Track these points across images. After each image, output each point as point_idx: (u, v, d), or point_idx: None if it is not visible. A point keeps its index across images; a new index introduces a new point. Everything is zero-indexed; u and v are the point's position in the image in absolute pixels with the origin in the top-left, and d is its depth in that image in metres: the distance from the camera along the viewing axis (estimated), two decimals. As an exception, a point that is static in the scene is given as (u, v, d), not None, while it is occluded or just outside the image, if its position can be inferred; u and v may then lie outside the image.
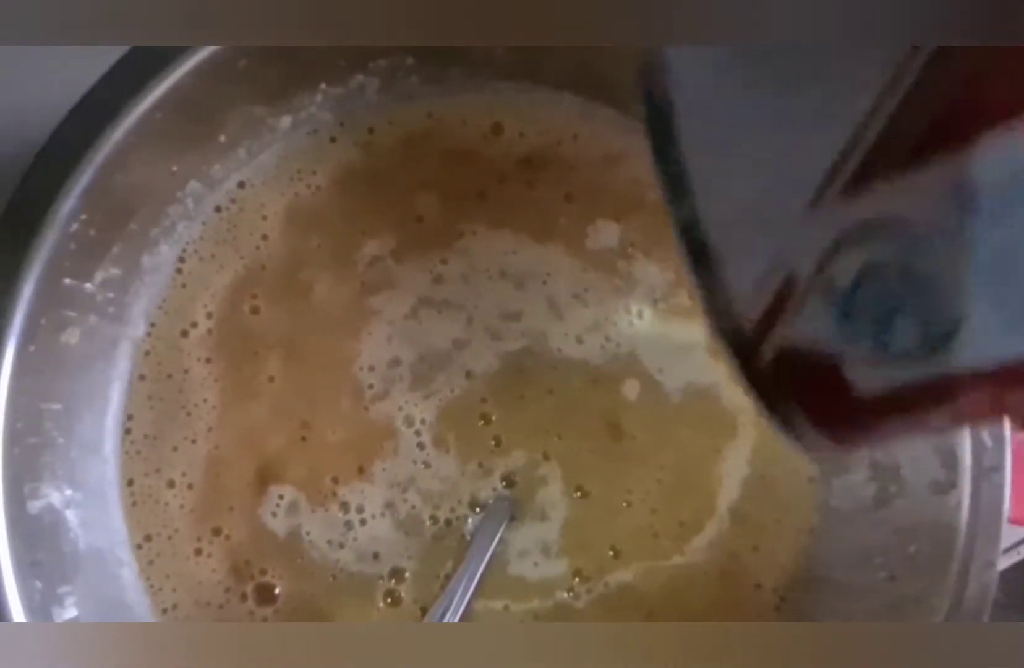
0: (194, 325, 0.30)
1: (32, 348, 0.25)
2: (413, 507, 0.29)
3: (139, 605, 0.28)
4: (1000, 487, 0.26)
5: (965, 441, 0.26)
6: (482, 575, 0.28)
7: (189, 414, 0.29)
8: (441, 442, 0.30)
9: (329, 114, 0.30)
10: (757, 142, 0.14)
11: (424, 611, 0.29)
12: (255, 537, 0.29)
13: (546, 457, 0.30)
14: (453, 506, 0.29)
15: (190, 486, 0.29)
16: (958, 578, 0.26)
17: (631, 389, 0.30)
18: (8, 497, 0.25)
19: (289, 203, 0.30)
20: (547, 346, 0.30)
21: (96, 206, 0.26)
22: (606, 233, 0.31)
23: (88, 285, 0.27)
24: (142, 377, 0.29)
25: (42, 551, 0.26)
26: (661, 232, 0.31)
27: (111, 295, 0.28)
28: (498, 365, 0.30)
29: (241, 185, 0.30)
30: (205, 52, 0.25)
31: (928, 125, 0.11)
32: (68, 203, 0.25)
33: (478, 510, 0.29)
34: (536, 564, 0.29)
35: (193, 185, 0.29)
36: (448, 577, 0.29)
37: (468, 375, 0.30)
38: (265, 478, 0.29)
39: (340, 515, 0.29)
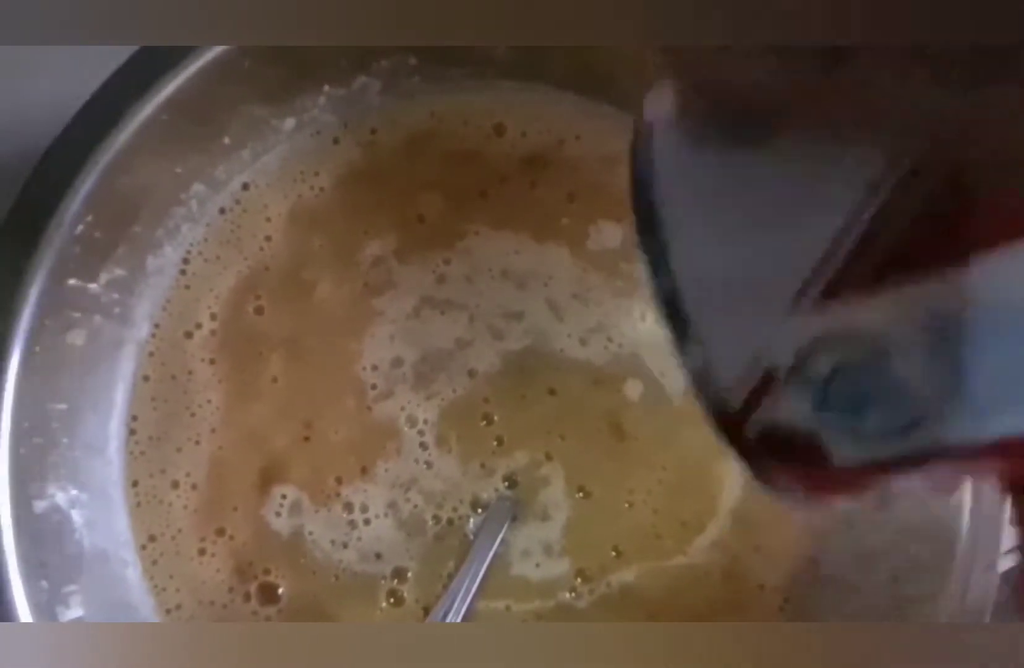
0: (198, 326, 0.30)
1: (37, 349, 0.26)
2: (415, 507, 0.29)
3: (143, 605, 0.28)
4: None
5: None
6: (484, 575, 0.28)
7: (193, 415, 0.29)
8: (443, 442, 0.30)
9: (332, 115, 0.30)
10: (739, 237, 0.14)
11: (426, 611, 0.29)
12: (259, 537, 0.29)
13: (548, 457, 0.30)
14: (455, 506, 0.29)
15: (194, 486, 0.29)
16: (960, 579, 0.26)
17: (633, 390, 0.30)
18: (14, 497, 0.25)
19: (292, 204, 0.30)
20: (549, 346, 0.30)
21: (101, 208, 0.26)
22: (608, 233, 0.31)
23: (93, 286, 0.27)
24: (146, 378, 0.30)
25: (47, 551, 0.26)
26: (663, 233, 0.31)
27: (116, 296, 0.28)
28: (500, 365, 0.30)
29: (245, 187, 0.30)
30: (209, 54, 0.25)
31: (893, 247, 0.12)
32: (73, 205, 0.25)
33: (480, 510, 0.29)
34: (538, 564, 0.29)
35: (197, 187, 0.29)
36: (450, 577, 0.29)
37: (470, 375, 0.30)
38: (268, 478, 0.29)
39: (343, 515, 0.29)
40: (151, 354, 0.30)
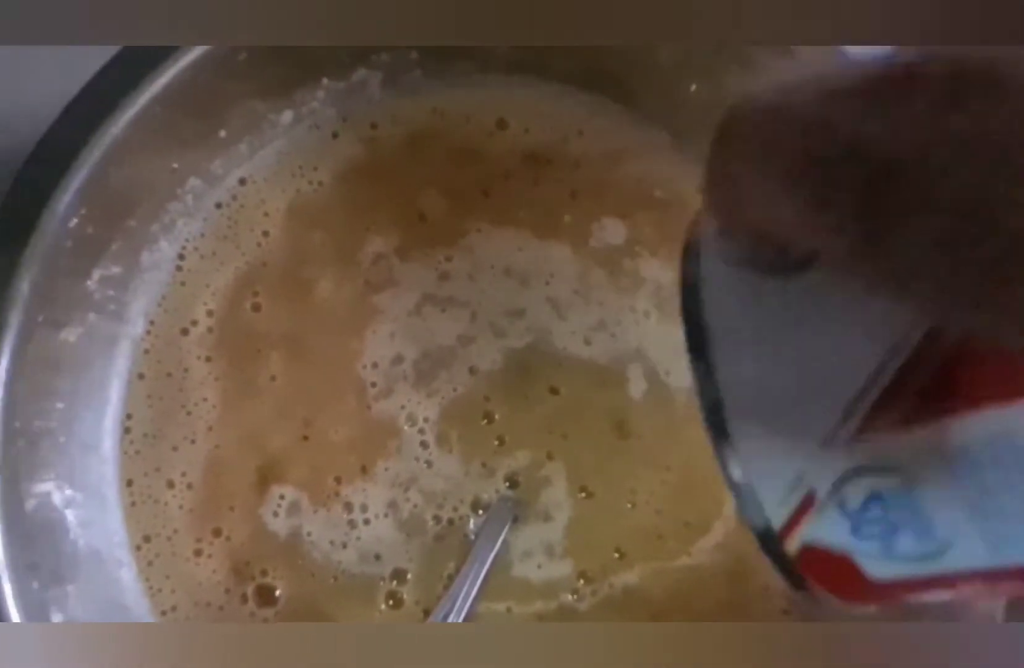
0: (194, 323, 0.30)
1: (30, 346, 0.25)
2: (415, 506, 0.29)
3: (138, 607, 0.28)
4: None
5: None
6: (485, 577, 0.28)
7: (189, 413, 0.29)
8: (444, 441, 0.29)
9: (331, 109, 0.30)
10: (782, 359, 0.16)
11: (426, 613, 0.28)
12: (256, 538, 0.29)
13: (550, 457, 0.29)
14: (456, 506, 0.29)
15: (190, 486, 0.29)
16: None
17: (637, 388, 0.30)
18: (6, 496, 0.25)
19: (291, 199, 0.30)
20: (552, 344, 0.30)
21: (94, 202, 0.25)
22: (612, 231, 0.30)
23: (87, 283, 0.27)
24: (141, 376, 0.29)
25: (40, 551, 0.26)
26: (667, 230, 0.30)
27: (110, 293, 0.28)
28: (502, 363, 0.30)
29: (242, 181, 0.30)
30: (204, 46, 0.25)
31: (920, 393, 0.14)
32: (66, 199, 0.25)
33: (481, 511, 0.29)
34: (540, 566, 0.29)
35: (193, 181, 0.29)
36: (450, 578, 0.28)
37: (472, 373, 0.30)
38: (266, 478, 0.29)
39: (343, 515, 0.29)
40: (146, 351, 0.29)
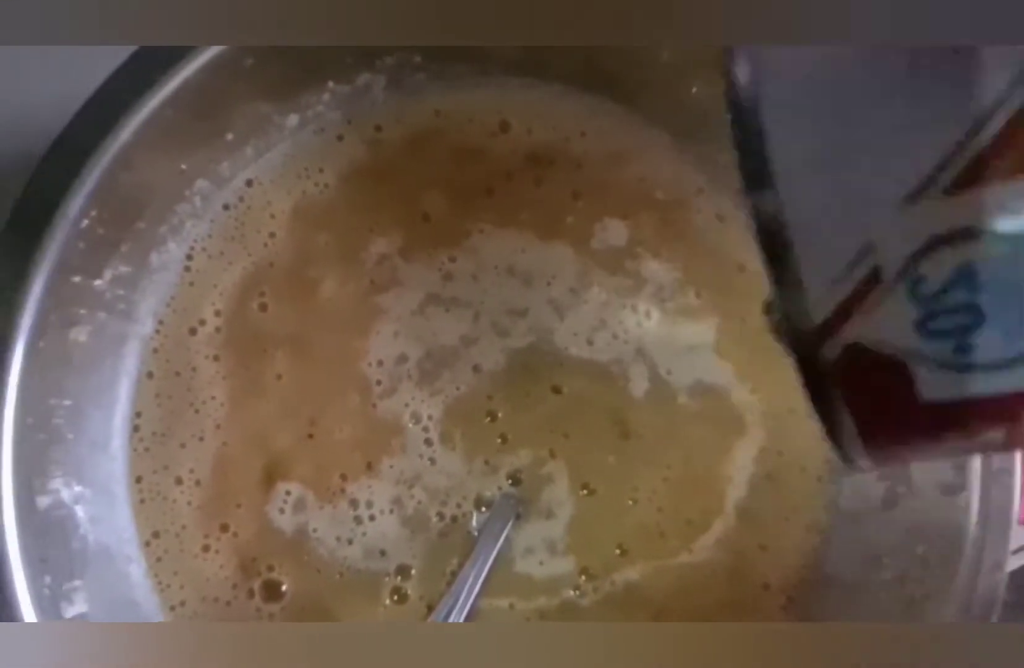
0: (202, 323, 0.30)
1: (42, 345, 0.25)
2: (420, 503, 0.29)
3: (147, 602, 0.28)
4: (1010, 489, 0.26)
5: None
6: (488, 573, 0.28)
7: (197, 411, 0.29)
8: (448, 439, 0.30)
9: (336, 112, 0.30)
10: (852, 140, 0.13)
11: (430, 608, 0.29)
12: (262, 534, 0.29)
13: (552, 455, 0.30)
14: (459, 503, 0.29)
15: (198, 483, 0.29)
16: (967, 579, 0.26)
17: (638, 387, 0.30)
18: (18, 493, 0.25)
19: (297, 201, 0.30)
20: (554, 344, 0.30)
21: (105, 204, 0.26)
22: (613, 232, 0.31)
23: (97, 282, 0.27)
24: (150, 374, 0.30)
25: (51, 547, 0.26)
26: (669, 231, 0.31)
27: (120, 292, 0.28)
28: (505, 362, 0.30)
29: (249, 183, 0.30)
30: (213, 50, 0.25)
31: None
32: (77, 201, 0.25)
33: (484, 508, 0.29)
34: (542, 562, 0.29)
35: (201, 183, 0.29)
36: (454, 575, 0.29)
37: (475, 372, 0.30)
38: (273, 475, 0.29)
39: (348, 512, 0.29)
40: (155, 350, 0.30)
